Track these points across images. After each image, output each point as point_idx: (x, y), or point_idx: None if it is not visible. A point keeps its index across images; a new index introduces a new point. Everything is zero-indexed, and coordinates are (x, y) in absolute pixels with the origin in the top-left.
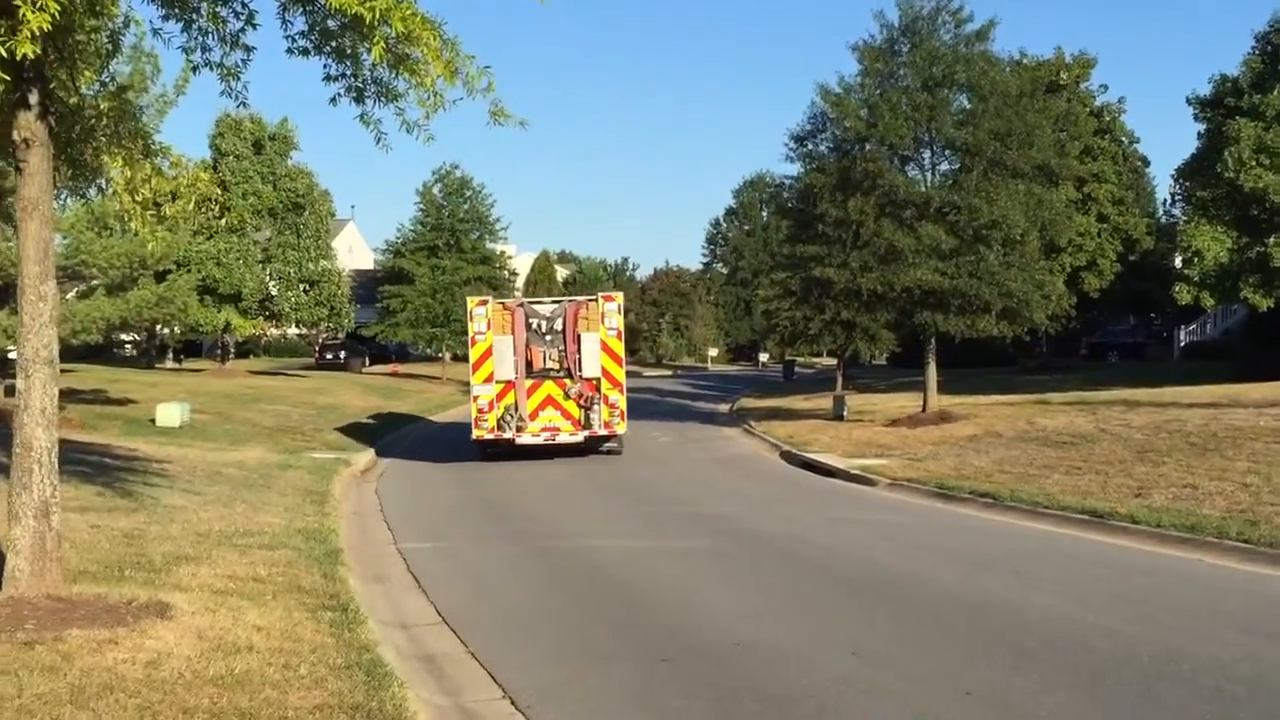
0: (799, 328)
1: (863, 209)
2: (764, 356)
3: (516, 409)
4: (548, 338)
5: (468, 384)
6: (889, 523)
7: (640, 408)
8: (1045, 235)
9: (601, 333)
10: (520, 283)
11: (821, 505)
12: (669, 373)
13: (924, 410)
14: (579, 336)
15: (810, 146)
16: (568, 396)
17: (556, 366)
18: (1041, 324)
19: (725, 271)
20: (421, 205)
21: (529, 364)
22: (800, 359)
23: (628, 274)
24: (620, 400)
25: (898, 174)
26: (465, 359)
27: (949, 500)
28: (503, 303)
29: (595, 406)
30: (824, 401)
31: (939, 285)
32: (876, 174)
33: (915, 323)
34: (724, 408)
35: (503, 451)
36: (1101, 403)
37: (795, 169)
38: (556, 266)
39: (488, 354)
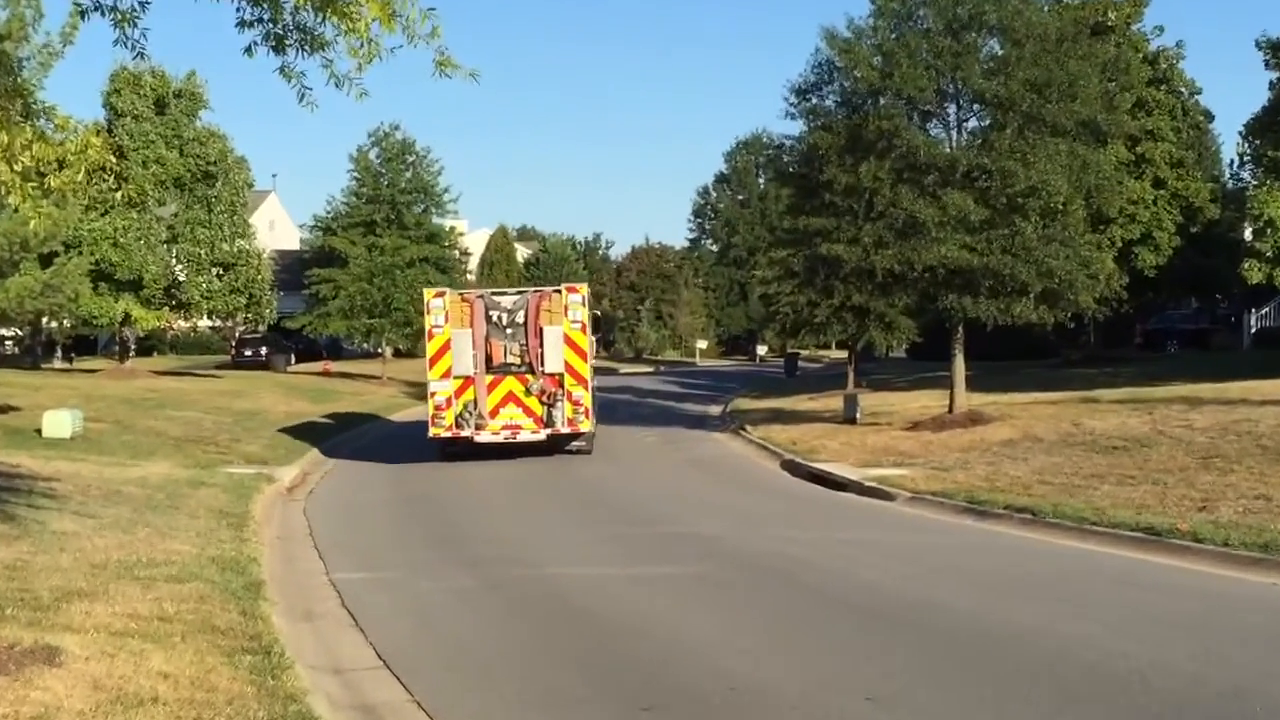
0: (803, 315)
1: (876, 174)
2: (762, 349)
3: (476, 406)
4: (509, 331)
5: (412, 384)
6: (909, 543)
7: (617, 411)
8: (1092, 204)
9: (565, 326)
10: (474, 264)
11: (830, 523)
12: (650, 369)
13: (950, 411)
14: (541, 330)
15: (814, 101)
16: (529, 393)
17: (518, 361)
18: (1088, 308)
19: (716, 249)
20: (356, 174)
21: (489, 359)
22: (804, 352)
23: (600, 252)
24: (585, 397)
25: (917, 133)
26: (410, 354)
27: (980, 517)
28: (462, 294)
29: (558, 403)
30: (833, 401)
31: (967, 263)
32: (892, 133)
33: (939, 308)
34: (715, 409)
35: (462, 451)
36: (1159, 400)
37: (797, 127)
38: (516, 245)
39: (445, 348)
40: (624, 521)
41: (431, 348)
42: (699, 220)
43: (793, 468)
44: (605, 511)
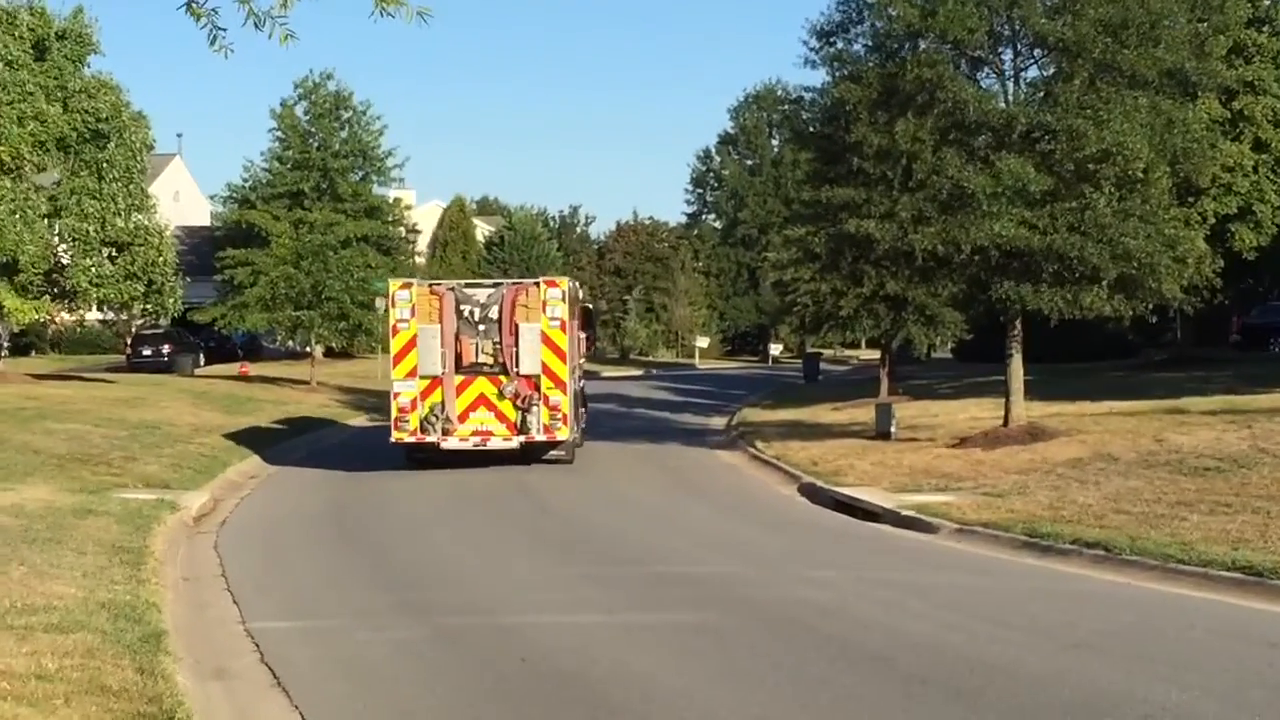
0: (825, 307)
1: (916, 135)
2: (775, 349)
3: (443, 409)
4: (481, 328)
5: (348, 390)
6: (957, 587)
7: (599, 424)
8: (1178, 171)
9: (543, 323)
10: (423, 244)
11: (859, 561)
12: (639, 372)
13: (1006, 424)
14: (517, 327)
15: (840, 45)
16: (503, 396)
17: (491, 361)
18: (1173, 298)
19: (719, 226)
20: (279, 133)
21: (459, 358)
22: (827, 352)
23: (578, 230)
24: (563, 402)
25: (965, 84)
26: (344, 354)
27: (1043, 553)
28: (431, 285)
29: (534, 408)
30: (862, 412)
31: (1026, 244)
32: (935, 84)
33: (992, 298)
34: (718, 422)
35: (428, 459)
36: (1261, 411)
37: (819, 78)
38: (476, 221)
39: (411, 345)
40: (608, 558)
41: (396, 344)
42: (699, 191)
43: (813, 493)
44: (586, 545)
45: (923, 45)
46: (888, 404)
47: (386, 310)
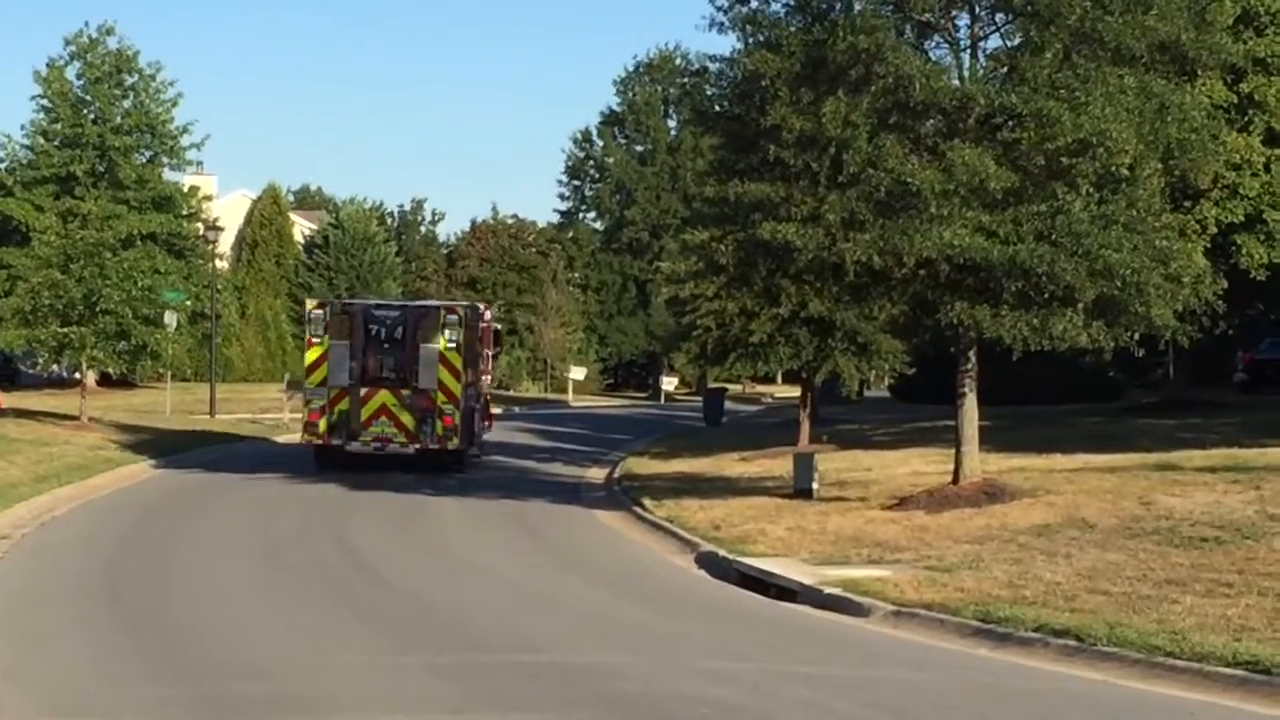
0: (732, 331)
1: (848, 118)
2: (669, 383)
3: (349, 416)
4: (386, 346)
5: (129, 428)
6: (892, 684)
7: (445, 476)
8: (1173, 169)
9: (441, 344)
10: (226, 243)
11: (771, 651)
12: (496, 410)
13: (956, 481)
14: (418, 347)
15: (756, 4)
16: (402, 407)
17: (393, 376)
18: (1165, 327)
19: (601, 228)
20: (45, 101)
21: (365, 371)
22: (734, 387)
23: (423, 228)
24: (456, 415)
25: (911, 56)
26: (125, 383)
27: (1000, 643)
28: (344, 305)
29: (430, 420)
30: (777, 464)
31: (984, 256)
32: (873, 55)
33: (941, 323)
34: (596, 475)
35: (335, 462)
36: (1271, 468)
37: (728, 44)
38: (294, 216)
39: (324, 358)
40: (458, 643)
41: (310, 356)
42: (575, 184)
43: (714, 565)
44: (430, 626)
45: (858, 6)
46: (809, 454)
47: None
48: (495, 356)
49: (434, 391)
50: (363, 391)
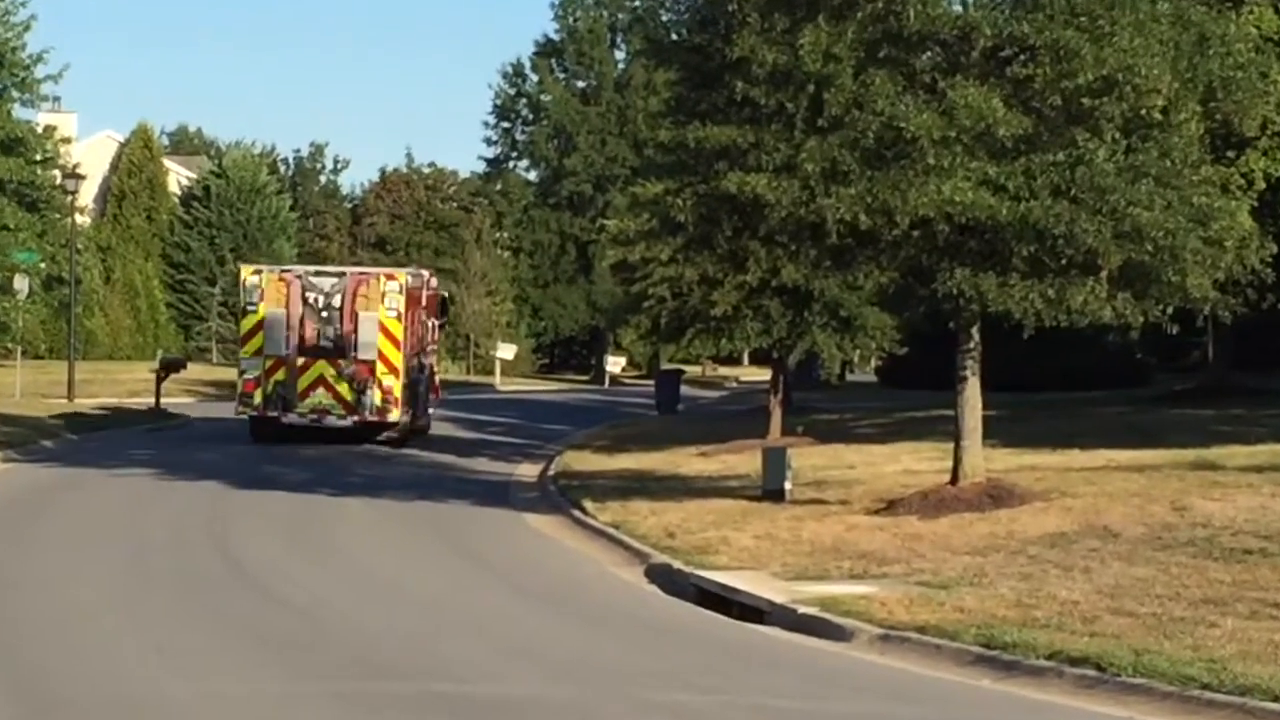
0: (691, 303)
1: (830, 50)
2: (615, 364)
3: (285, 387)
4: (324, 314)
5: None
6: None
7: (347, 471)
8: (1214, 112)
9: (381, 313)
10: (89, 194)
11: (734, 682)
12: None
13: (954, 480)
14: (356, 315)
15: None
16: (340, 377)
17: (331, 345)
18: (1203, 299)
19: (535, 179)
20: None
21: (302, 340)
22: (692, 369)
23: (323, 177)
24: (396, 386)
25: None
26: None
27: (1006, 673)
28: (280, 273)
29: (368, 390)
30: (742, 460)
31: (990, 214)
32: None
33: (938, 294)
34: (528, 471)
35: (270, 433)
36: None
37: None
38: (169, 163)
39: (259, 327)
40: (365, 670)
41: (245, 325)
42: (505, 126)
43: (668, 579)
44: (332, 651)
45: None
46: (781, 449)
47: (242, 292)
48: (441, 326)
49: (373, 361)
50: (300, 361)
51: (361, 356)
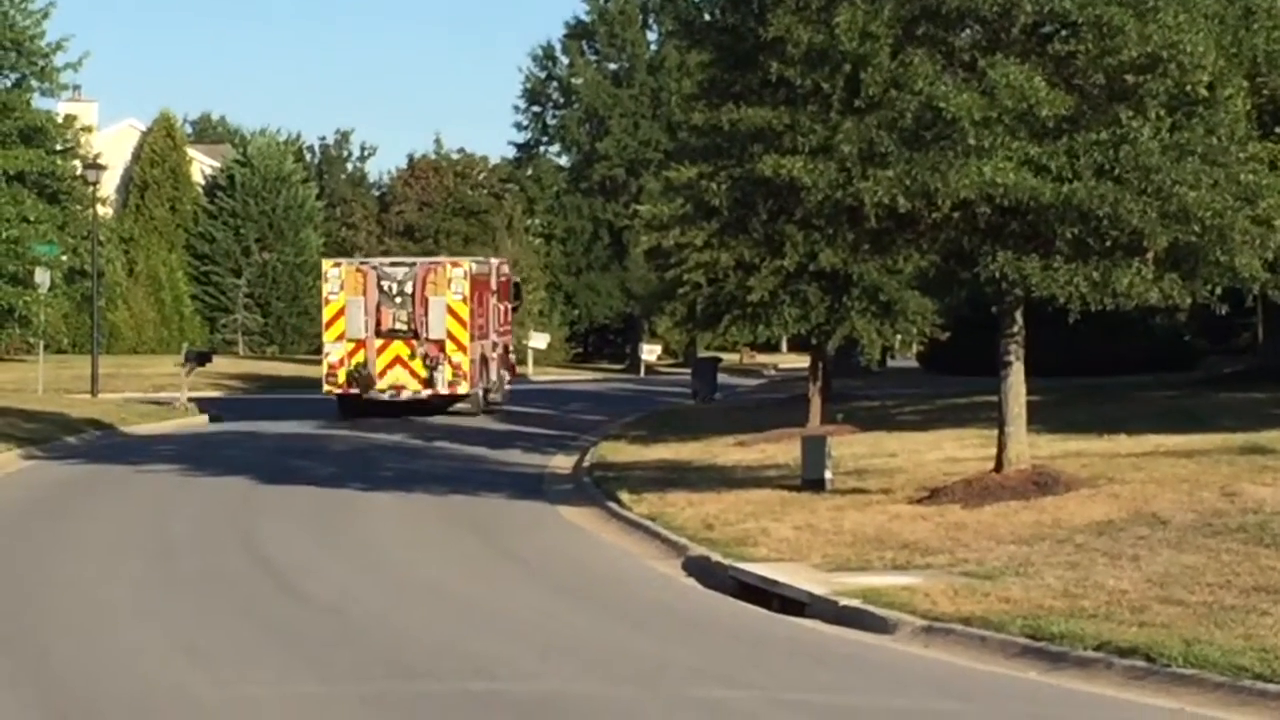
0: (727, 289)
1: (867, 29)
2: (651, 351)
3: (366, 366)
4: (398, 300)
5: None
6: (924, 714)
7: (379, 465)
8: (1262, 87)
9: (448, 297)
10: (111, 185)
11: (776, 677)
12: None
13: (999, 468)
14: (427, 300)
15: None
16: (414, 356)
17: (405, 327)
18: (1253, 280)
19: (567, 164)
20: None
21: (379, 324)
22: (729, 357)
23: (349, 165)
24: (464, 362)
25: None
26: None
27: (1053, 664)
28: (357, 265)
29: (440, 367)
30: (781, 449)
31: (1033, 195)
32: None
33: (981, 278)
34: (563, 463)
35: (355, 409)
36: None
37: None
38: (192, 152)
39: (340, 313)
40: (397, 671)
41: (328, 313)
42: (536, 110)
43: (706, 572)
44: (362, 651)
45: None
46: (821, 437)
47: (321, 285)
48: (515, 309)
49: (443, 340)
50: (378, 343)
51: (432, 336)
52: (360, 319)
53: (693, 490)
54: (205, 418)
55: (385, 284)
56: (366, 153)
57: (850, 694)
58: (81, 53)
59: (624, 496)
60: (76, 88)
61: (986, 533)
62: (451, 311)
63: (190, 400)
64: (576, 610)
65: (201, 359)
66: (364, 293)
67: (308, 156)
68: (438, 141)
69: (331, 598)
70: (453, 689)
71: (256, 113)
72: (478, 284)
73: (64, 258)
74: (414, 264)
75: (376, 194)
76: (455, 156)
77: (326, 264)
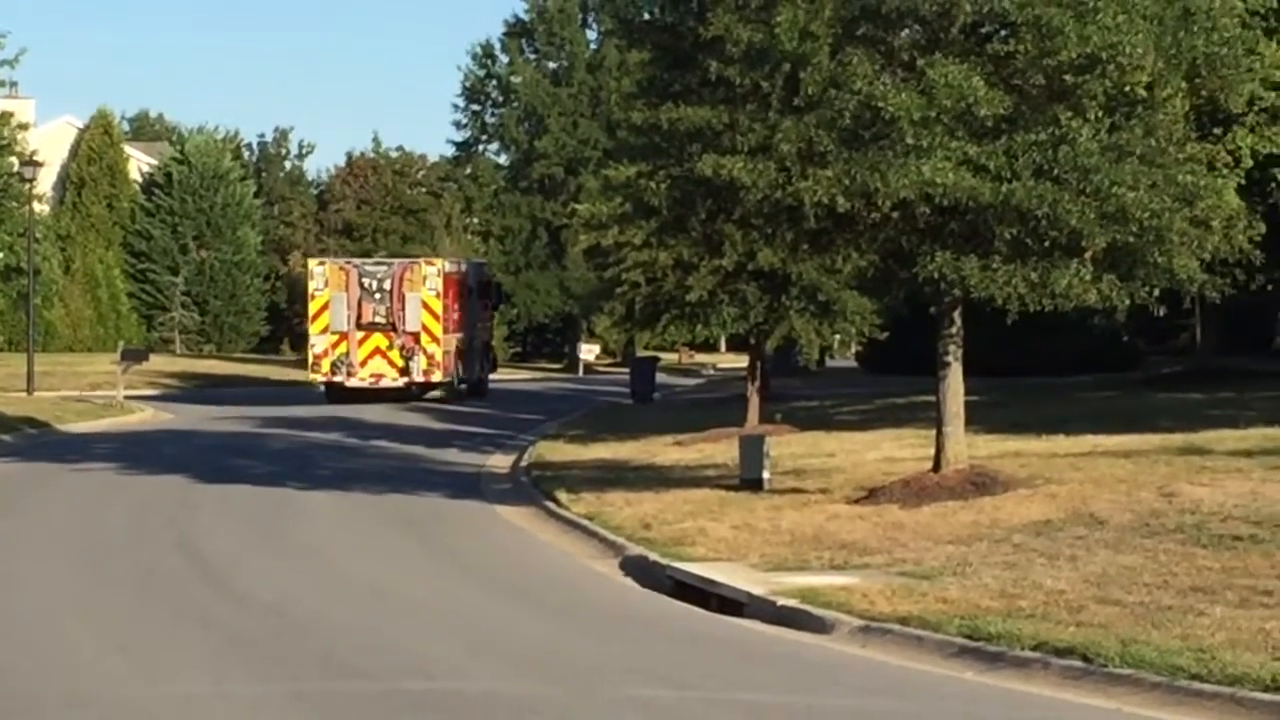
0: (665, 288)
1: (807, 28)
2: (589, 351)
3: (348, 356)
4: (377, 295)
5: None
6: (861, 714)
7: (314, 464)
8: (1200, 89)
9: (423, 293)
10: (47, 182)
11: (712, 676)
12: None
13: (937, 468)
14: (404, 296)
15: None
16: (392, 347)
17: (384, 321)
18: (1190, 281)
19: (505, 163)
20: None
21: (360, 317)
22: (668, 356)
23: (288, 162)
24: (438, 352)
25: None
26: None
27: (990, 664)
28: (340, 264)
29: (415, 357)
30: (719, 449)
31: (972, 195)
32: None
33: (919, 278)
34: (500, 462)
35: (340, 395)
36: None
37: None
38: (130, 150)
39: (325, 308)
40: (329, 669)
41: (313, 307)
42: (474, 108)
43: (644, 571)
44: (296, 648)
45: None
46: (759, 437)
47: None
48: (495, 307)
49: (419, 333)
50: (359, 335)
51: (409, 329)
52: (343, 313)
53: (631, 490)
54: (140, 415)
55: (366, 281)
56: (305, 150)
57: (788, 694)
58: (18, 49)
59: (561, 496)
60: (13, 84)
61: (924, 533)
62: (426, 306)
63: (126, 398)
64: (513, 609)
65: (138, 357)
66: (346, 289)
67: (246, 154)
68: (376, 140)
69: (268, 597)
70: (389, 688)
71: (194, 110)
72: (451, 282)
73: (0, 256)
74: (392, 263)
75: (315, 192)
76: (394, 155)
77: (312, 262)
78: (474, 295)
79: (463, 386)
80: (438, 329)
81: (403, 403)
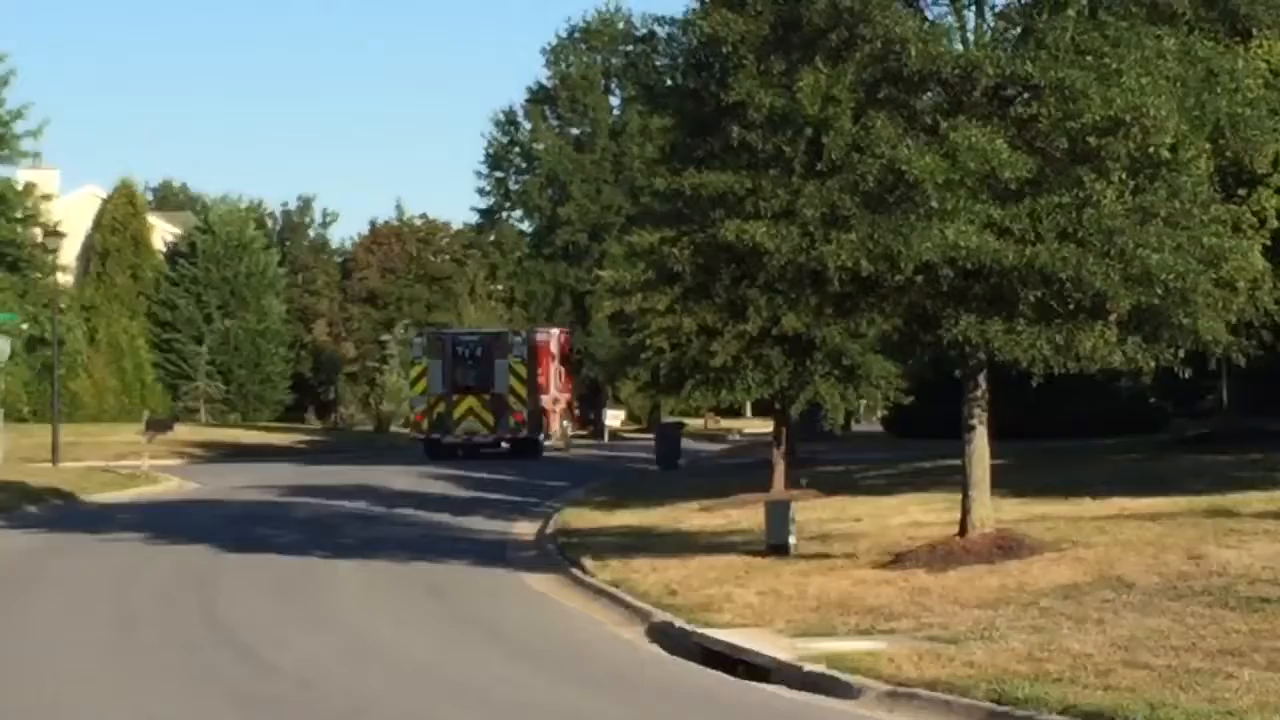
0: (690, 353)
1: (829, 92)
2: (614, 417)
3: (445, 416)
4: (469, 362)
5: None
6: None
7: (340, 531)
8: (1224, 150)
9: (510, 359)
10: (70, 253)
11: None
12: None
13: (963, 532)
14: (493, 361)
15: None
16: (484, 407)
17: (476, 384)
18: (1216, 343)
19: (529, 230)
20: None
21: (454, 381)
22: (693, 422)
23: (312, 231)
24: (524, 412)
25: (904, 15)
26: None
27: None
28: (437, 334)
29: (504, 415)
30: (745, 514)
31: (996, 258)
32: (859, 15)
33: (944, 341)
34: (526, 529)
35: (439, 450)
36: None
37: (681, 3)
38: (153, 219)
39: (424, 374)
40: None
41: (414, 373)
42: (498, 175)
43: (670, 638)
44: (319, 716)
45: None
46: (785, 502)
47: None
48: (576, 371)
49: (505, 395)
50: (454, 397)
51: (497, 391)
52: (440, 378)
53: (657, 556)
54: (166, 484)
55: (459, 349)
56: (328, 219)
57: None
58: (41, 120)
59: (587, 562)
60: (37, 155)
61: (951, 597)
62: (513, 371)
63: (152, 467)
64: (539, 678)
65: (163, 426)
66: (443, 356)
67: (269, 223)
68: (399, 207)
69: (294, 667)
70: None
71: (218, 179)
72: (534, 348)
73: (24, 326)
74: (482, 332)
75: (339, 260)
76: (417, 222)
77: (413, 333)
78: (555, 361)
79: (557, 444)
80: (523, 391)
81: (495, 455)
